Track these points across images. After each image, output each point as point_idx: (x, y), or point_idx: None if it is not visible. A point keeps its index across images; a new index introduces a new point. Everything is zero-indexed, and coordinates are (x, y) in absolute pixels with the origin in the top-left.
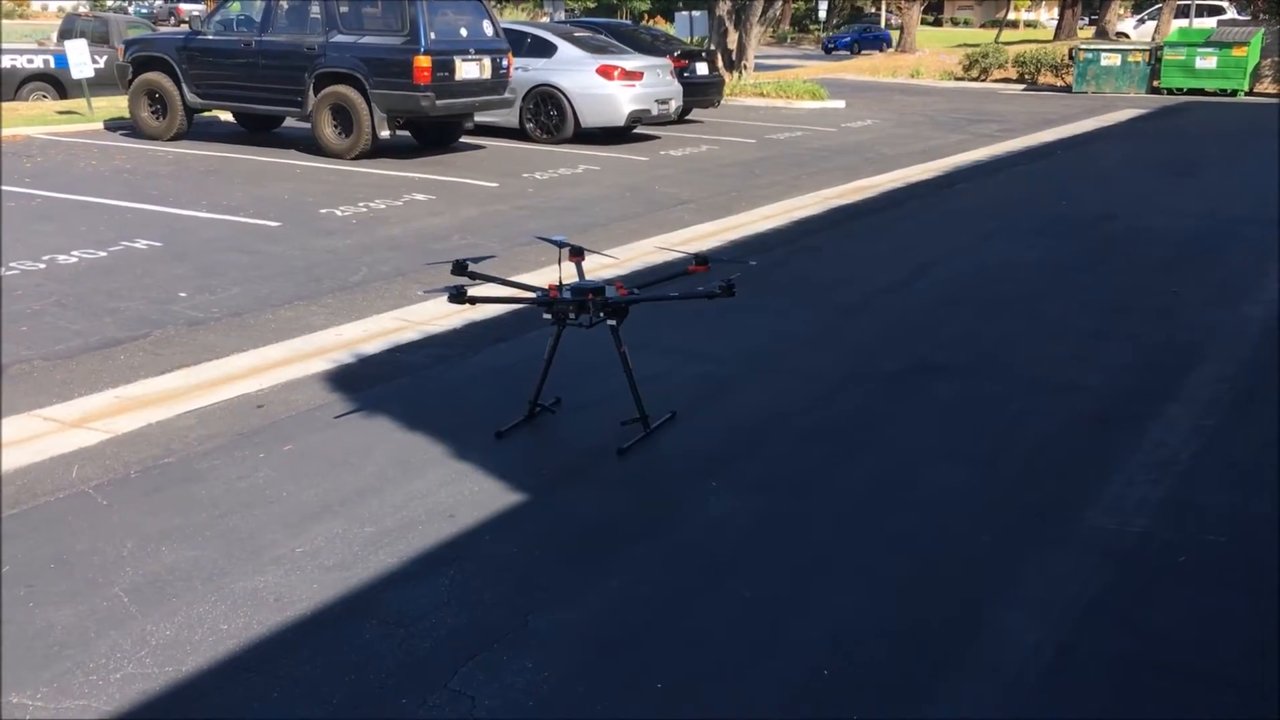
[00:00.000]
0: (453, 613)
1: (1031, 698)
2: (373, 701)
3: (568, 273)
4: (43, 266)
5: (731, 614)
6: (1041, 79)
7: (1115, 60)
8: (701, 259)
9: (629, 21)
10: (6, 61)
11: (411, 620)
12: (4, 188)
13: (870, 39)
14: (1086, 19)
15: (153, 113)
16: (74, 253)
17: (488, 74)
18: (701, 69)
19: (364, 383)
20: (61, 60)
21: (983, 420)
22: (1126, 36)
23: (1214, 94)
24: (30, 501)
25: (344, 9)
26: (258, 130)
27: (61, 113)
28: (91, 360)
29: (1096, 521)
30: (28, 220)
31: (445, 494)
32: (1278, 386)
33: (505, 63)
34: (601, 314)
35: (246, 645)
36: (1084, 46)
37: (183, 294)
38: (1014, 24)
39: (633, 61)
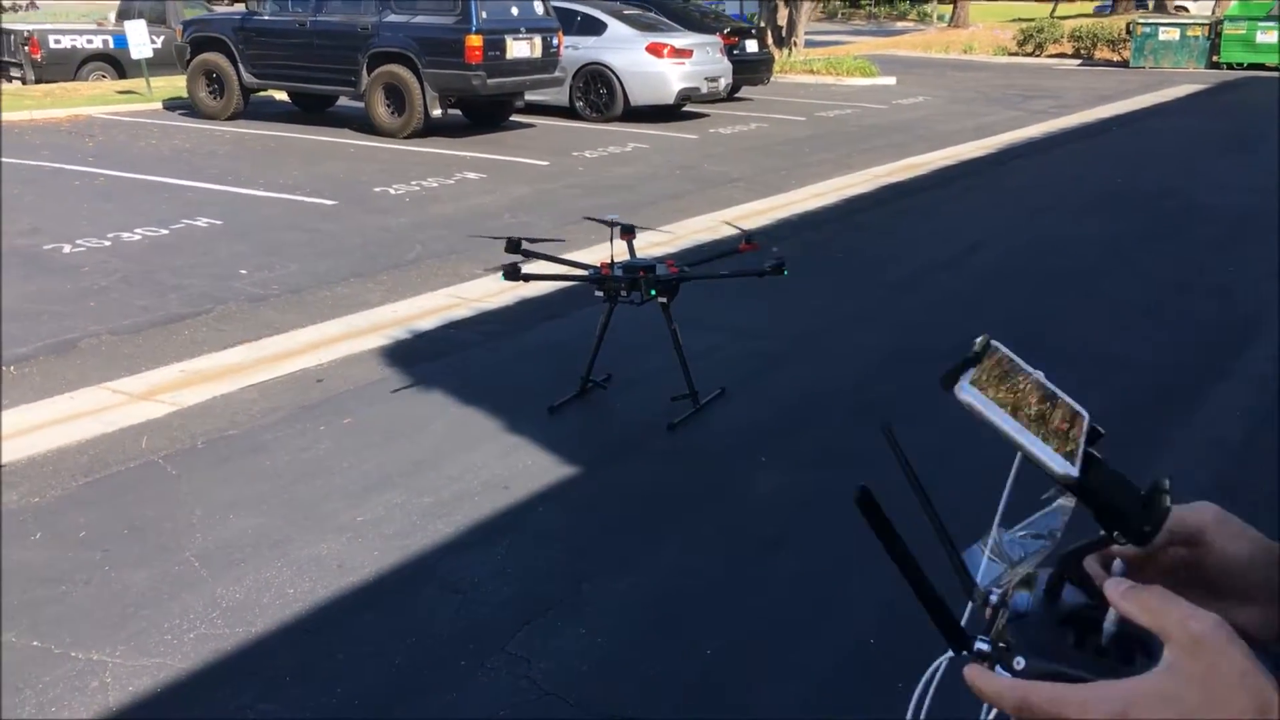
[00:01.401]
0: (508, 580)
1: None
2: (433, 663)
3: (619, 251)
4: (108, 244)
5: (780, 585)
6: (1098, 54)
7: (1174, 34)
8: (749, 238)
9: None
10: (67, 41)
11: (469, 587)
12: (69, 167)
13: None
14: None
15: (210, 93)
16: (138, 230)
17: (538, 53)
18: (751, 46)
19: (419, 358)
20: (121, 40)
21: None
22: (1186, 10)
23: (1275, 69)
24: (102, 470)
25: None
26: (312, 110)
27: (121, 93)
28: (157, 335)
29: None
30: (92, 199)
31: (500, 466)
32: None
33: (555, 41)
34: (653, 291)
35: (312, 608)
36: (1142, 20)
37: (243, 271)
38: None
39: (682, 39)
